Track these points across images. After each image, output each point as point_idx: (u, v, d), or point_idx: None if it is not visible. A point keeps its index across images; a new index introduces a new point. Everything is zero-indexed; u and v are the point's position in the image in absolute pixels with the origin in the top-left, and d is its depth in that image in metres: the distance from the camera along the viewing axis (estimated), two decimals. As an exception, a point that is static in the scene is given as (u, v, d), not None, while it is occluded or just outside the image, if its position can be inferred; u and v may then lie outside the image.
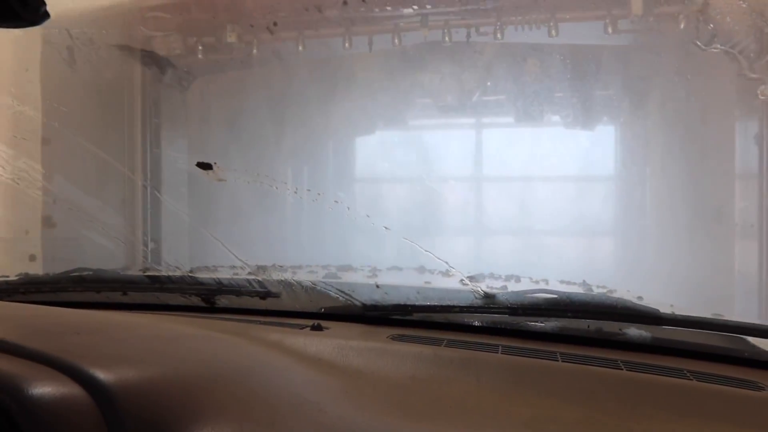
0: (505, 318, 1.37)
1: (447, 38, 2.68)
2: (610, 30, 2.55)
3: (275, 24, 2.57)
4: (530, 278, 2.33)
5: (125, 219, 3.06)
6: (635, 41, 2.85)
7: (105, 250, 2.14)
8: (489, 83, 3.65)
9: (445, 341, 1.28)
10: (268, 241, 3.25)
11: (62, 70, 2.55)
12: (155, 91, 3.23)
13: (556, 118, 3.56)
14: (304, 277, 1.86)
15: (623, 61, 3.07)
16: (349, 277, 2.18)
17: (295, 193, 2.97)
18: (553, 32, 2.23)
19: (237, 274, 1.84)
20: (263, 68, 3.18)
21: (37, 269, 2.49)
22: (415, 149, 3.62)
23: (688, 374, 1.14)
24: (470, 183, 3.62)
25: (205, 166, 1.52)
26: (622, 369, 1.16)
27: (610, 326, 1.31)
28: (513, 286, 2.03)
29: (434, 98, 3.51)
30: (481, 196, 3.64)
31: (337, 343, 1.25)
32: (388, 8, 2.66)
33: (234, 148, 3.28)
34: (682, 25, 2.39)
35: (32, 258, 2.60)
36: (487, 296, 1.37)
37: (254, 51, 2.89)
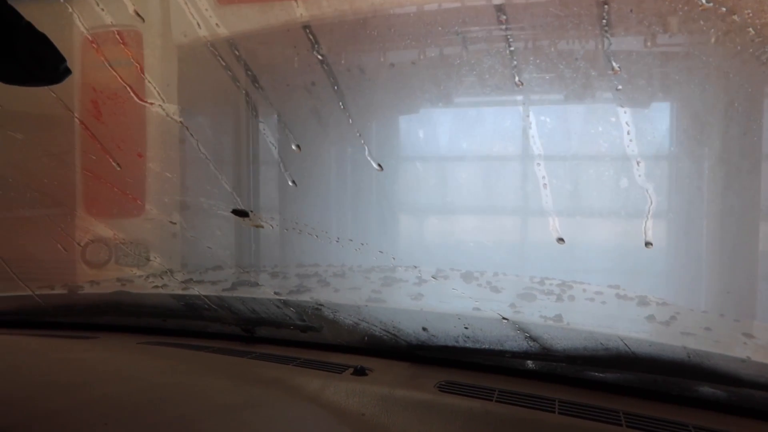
0: (562, 367, 1.27)
1: (508, 51, 3.03)
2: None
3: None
4: (583, 289, 2.21)
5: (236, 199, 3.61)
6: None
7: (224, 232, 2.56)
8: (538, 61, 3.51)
9: (497, 392, 1.19)
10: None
11: (192, 82, 3.08)
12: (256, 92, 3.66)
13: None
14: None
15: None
16: (392, 293, 2.11)
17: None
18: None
19: (278, 293, 1.78)
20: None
21: (177, 244, 2.81)
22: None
23: None
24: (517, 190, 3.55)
25: (241, 213, 1.45)
26: None
27: (678, 382, 1.19)
28: (567, 307, 1.92)
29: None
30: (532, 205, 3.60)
31: (381, 393, 1.18)
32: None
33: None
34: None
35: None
36: (539, 342, 1.27)
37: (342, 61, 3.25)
